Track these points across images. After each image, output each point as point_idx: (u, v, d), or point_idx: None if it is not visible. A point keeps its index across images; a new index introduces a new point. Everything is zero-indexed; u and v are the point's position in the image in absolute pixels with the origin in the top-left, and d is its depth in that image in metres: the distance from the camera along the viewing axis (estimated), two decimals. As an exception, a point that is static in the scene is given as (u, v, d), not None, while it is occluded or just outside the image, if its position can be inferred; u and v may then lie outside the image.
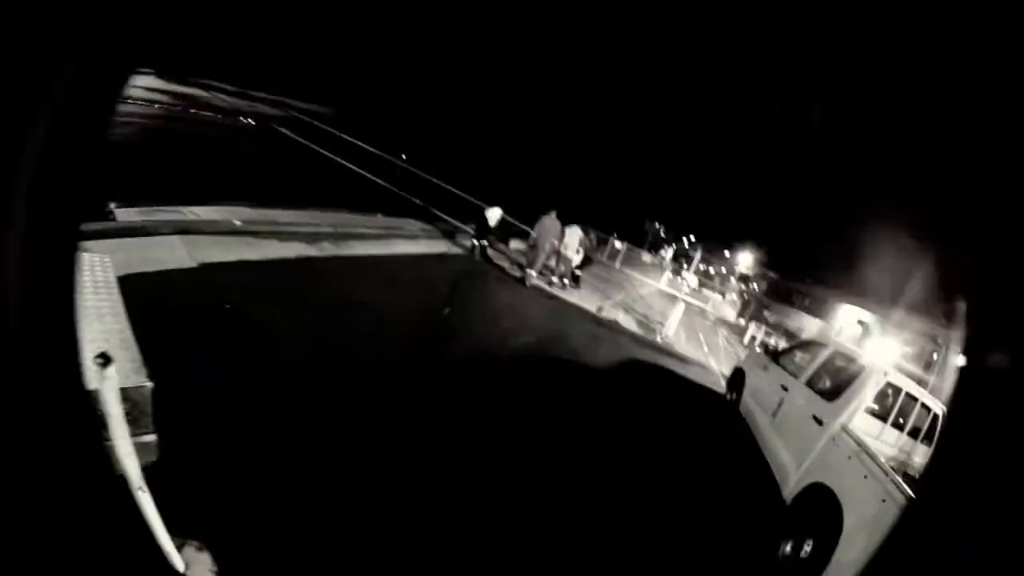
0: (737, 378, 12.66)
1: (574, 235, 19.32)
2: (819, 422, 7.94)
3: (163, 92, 22.52)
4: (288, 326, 7.30)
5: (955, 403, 3.07)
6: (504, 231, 21.90)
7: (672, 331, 20.21)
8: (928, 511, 2.40)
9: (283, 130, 26.76)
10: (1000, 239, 2.08)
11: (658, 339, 18.95)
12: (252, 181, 14.77)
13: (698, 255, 28.50)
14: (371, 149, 25.51)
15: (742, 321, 45.52)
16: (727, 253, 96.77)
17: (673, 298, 28.40)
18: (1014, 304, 1.97)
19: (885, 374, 8.02)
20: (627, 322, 19.38)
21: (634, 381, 12.75)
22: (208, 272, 7.70)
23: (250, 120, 27.15)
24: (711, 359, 20.44)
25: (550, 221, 18.22)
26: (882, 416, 8.33)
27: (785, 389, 9.65)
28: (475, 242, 18.48)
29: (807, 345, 11.43)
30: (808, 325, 45.19)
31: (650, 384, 13.27)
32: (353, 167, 23.11)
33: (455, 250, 18.23)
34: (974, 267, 2.26)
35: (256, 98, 33.92)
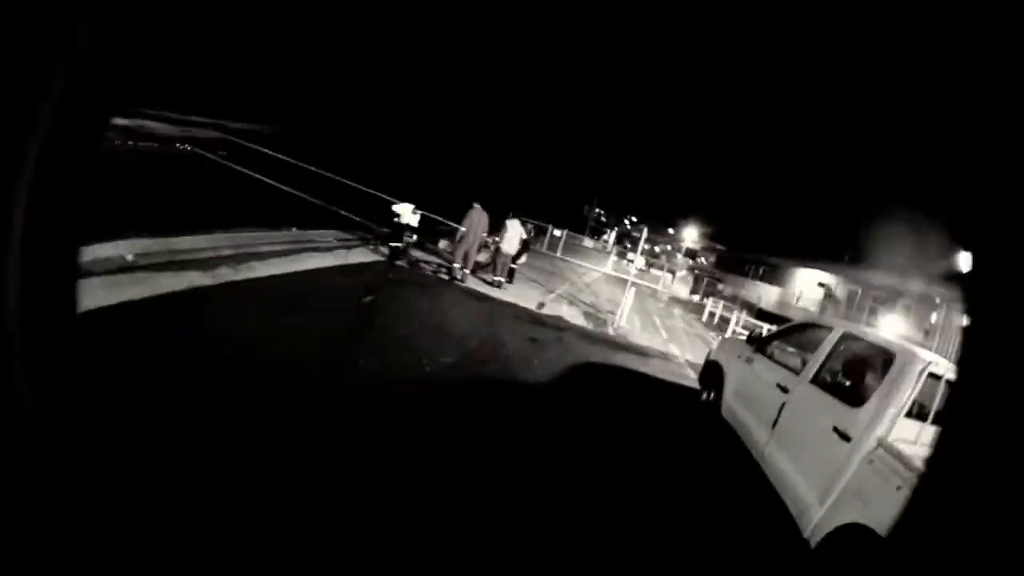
0: (712, 373, 10.30)
1: (515, 228, 17.58)
2: (845, 436, 5.68)
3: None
4: (154, 380, 5.57)
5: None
6: (431, 230, 19.85)
7: (625, 319, 18.02)
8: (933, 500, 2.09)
9: (197, 150, 26.44)
10: (998, 238, 1.95)
11: (610, 331, 16.68)
12: (160, 208, 13.63)
13: (644, 234, 26.71)
14: (292, 161, 25.12)
15: (695, 298, 43.91)
16: (671, 230, 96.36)
17: (622, 283, 26.71)
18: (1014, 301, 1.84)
19: (927, 363, 5.77)
20: (573, 316, 17.13)
21: (586, 393, 10.35)
22: (85, 320, 5.78)
23: (187, 146, 26.97)
24: (672, 345, 18.17)
25: (477, 213, 16.52)
26: (920, 415, 6.06)
27: (784, 390, 7.28)
28: (391, 245, 16.26)
29: (802, 329, 9.03)
30: (766, 294, 43.68)
31: (606, 393, 10.87)
32: (271, 182, 21.97)
33: (375, 257, 16.23)
34: (971, 271, 2.06)
35: (192, 123, 34.00)
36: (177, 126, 31.80)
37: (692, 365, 15.52)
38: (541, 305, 16.89)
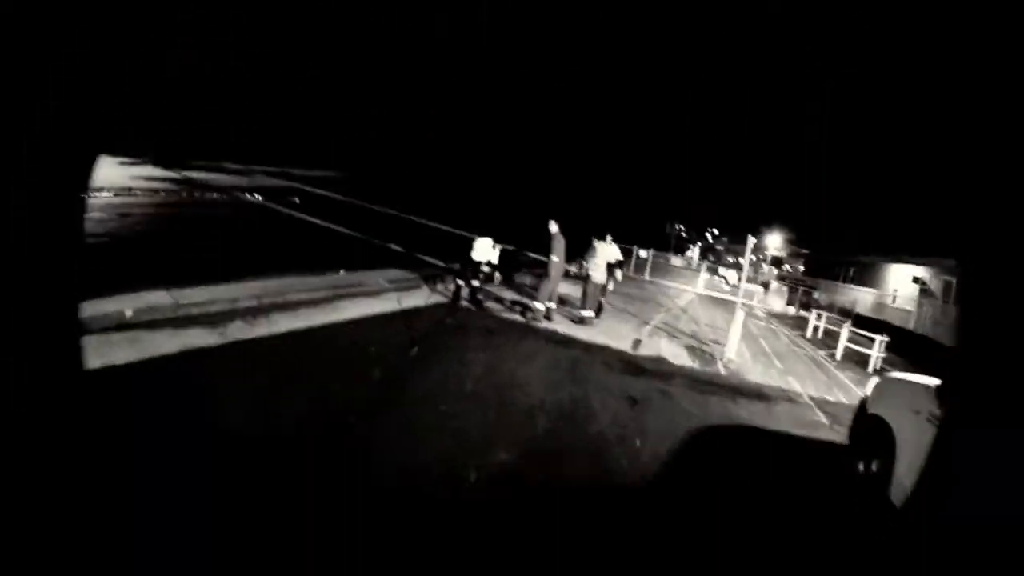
0: (870, 431, 7.02)
1: (604, 252, 14.39)
2: None
3: (161, 180, 22.91)
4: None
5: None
6: (508, 264, 17.11)
7: (734, 350, 14.80)
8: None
9: (251, 196, 26.03)
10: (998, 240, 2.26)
11: (721, 369, 13.39)
12: (198, 258, 12.54)
13: (750, 244, 22.67)
14: (363, 204, 25.15)
15: (791, 310, 40.04)
16: (752, 239, 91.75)
17: (718, 303, 23.65)
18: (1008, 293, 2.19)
19: None
20: (676, 354, 13.84)
21: (713, 491, 6.68)
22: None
23: (256, 195, 26.24)
24: (790, 379, 14.51)
25: (559, 239, 13.54)
26: None
27: None
28: (458, 283, 13.54)
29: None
30: (861, 297, 39.65)
31: (739, 480, 7.14)
32: (326, 224, 20.41)
33: (436, 299, 13.65)
34: (968, 269, 2.76)
35: (257, 171, 34.09)
36: (244, 176, 31.57)
37: (818, 403, 12.26)
38: (637, 343, 13.77)
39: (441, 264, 17.28)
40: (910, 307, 32.84)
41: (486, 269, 14.05)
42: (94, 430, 3.49)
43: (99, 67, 2.01)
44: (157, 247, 13.38)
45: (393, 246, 18.12)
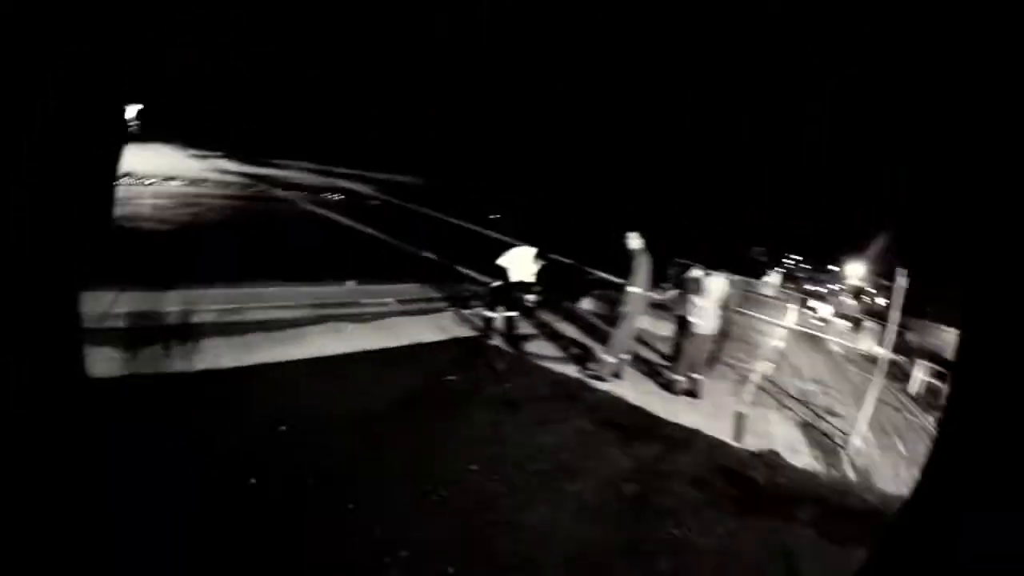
0: None
1: (719, 288, 9.49)
2: None
3: (236, 174, 22.07)
4: None
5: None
6: (569, 285, 12.77)
7: (861, 437, 9.86)
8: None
9: (330, 196, 24.78)
10: (997, 240, 2.11)
11: (849, 471, 8.50)
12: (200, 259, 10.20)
13: (900, 279, 16.59)
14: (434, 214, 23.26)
15: (879, 349, 34.32)
16: (833, 267, 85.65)
17: (809, 338, 19.48)
18: (1009, 300, 2.03)
19: None
20: (791, 442, 8.96)
21: None
22: None
23: (336, 195, 25.01)
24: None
25: (645, 257, 8.71)
26: None
27: None
28: (488, 314, 9.43)
29: None
30: (951, 339, 34.10)
31: None
32: (362, 227, 17.85)
33: (455, 331, 9.49)
34: (970, 267, 2.41)
35: (335, 173, 32.74)
36: (321, 176, 30.37)
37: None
38: (740, 421, 9.03)
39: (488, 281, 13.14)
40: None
41: (531, 296, 9.65)
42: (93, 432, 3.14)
43: (99, 67, 1.97)
44: (189, 242, 11.64)
45: (428, 254, 14.47)
